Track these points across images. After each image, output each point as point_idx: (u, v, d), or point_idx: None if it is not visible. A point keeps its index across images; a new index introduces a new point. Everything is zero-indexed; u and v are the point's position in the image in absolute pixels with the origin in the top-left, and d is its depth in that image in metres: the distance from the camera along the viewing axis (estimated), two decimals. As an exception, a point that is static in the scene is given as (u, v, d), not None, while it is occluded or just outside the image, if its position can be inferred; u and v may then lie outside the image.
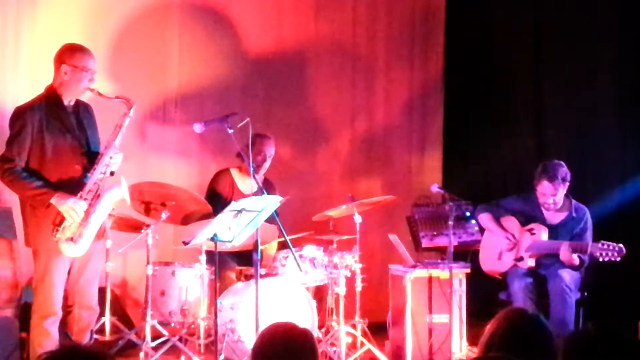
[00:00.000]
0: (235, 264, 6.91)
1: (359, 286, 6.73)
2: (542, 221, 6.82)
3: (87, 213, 5.32)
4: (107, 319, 6.72)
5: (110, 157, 5.44)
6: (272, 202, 5.83)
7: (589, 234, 6.83)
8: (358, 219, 6.70)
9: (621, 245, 6.39)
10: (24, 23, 7.28)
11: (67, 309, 5.49)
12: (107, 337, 6.73)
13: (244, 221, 5.65)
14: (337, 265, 6.70)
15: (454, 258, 6.56)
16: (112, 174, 5.51)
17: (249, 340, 6.12)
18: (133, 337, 6.63)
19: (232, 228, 5.66)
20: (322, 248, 6.77)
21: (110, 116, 5.68)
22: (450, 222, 6.54)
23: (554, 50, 8.58)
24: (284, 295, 6.44)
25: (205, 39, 8.16)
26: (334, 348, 6.61)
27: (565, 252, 6.53)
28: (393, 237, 6.82)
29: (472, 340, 6.60)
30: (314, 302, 6.51)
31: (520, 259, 6.74)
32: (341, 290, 6.66)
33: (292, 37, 8.57)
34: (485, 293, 7.19)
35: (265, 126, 7.68)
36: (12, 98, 6.82)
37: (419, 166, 9.02)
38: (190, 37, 8.08)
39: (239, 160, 6.90)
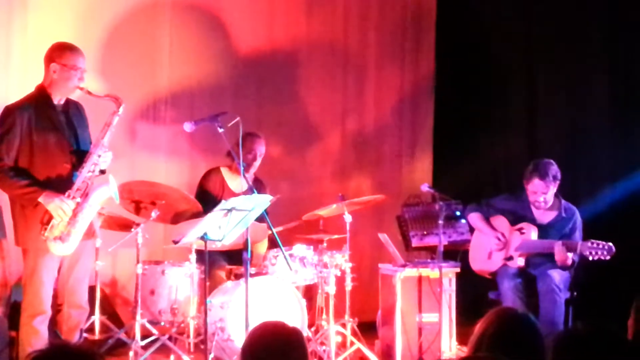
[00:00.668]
0: (225, 263, 6.91)
1: (348, 285, 6.74)
2: (532, 221, 6.83)
3: (76, 212, 5.31)
4: (97, 317, 6.70)
5: (99, 156, 5.43)
6: (262, 201, 5.83)
7: (577, 234, 6.85)
8: (348, 218, 6.71)
9: (610, 244, 6.40)
10: (15, 22, 7.26)
11: (56, 307, 5.48)
12: (97, 336, 6.71)
13: (234, 220, 5.65)
14: (327, 264, 6.70)
15: (443, 257, 6.58)
16: (102, 172, 5.51)
17: (239, 339, 6.12)
18: (123, 336, 6.62)
19: (222, 227, 5.65)
20: (312, 247, 6.77)
21: (101, 115, 5.67)
22: (440, 222, 6.55)
23: (545, 50, 8.59)
24: (273, 294, 6.43)
25: (196, 38, 8.16)
26: (324, 347, 6.61)
27: (560, 251, 6.52)
28: (383, 237, 6.83)
29: (462, 339, 6.61)
30: (303, 301, 6.51)
31: (510, 258, 6.76)
32: (331, 289, 6.66)
33: (284, 37, 8.57)
34: (475, 292, 7.21)
35: (256, 125, 7.67)
36: (2, 97, 6.79)
37: (410, 166, 9.03)
38: (180, 36, 8.07)
39: (229, 159, 6.89)
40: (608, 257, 6.42)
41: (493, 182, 8.87)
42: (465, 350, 5.75)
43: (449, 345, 6.66)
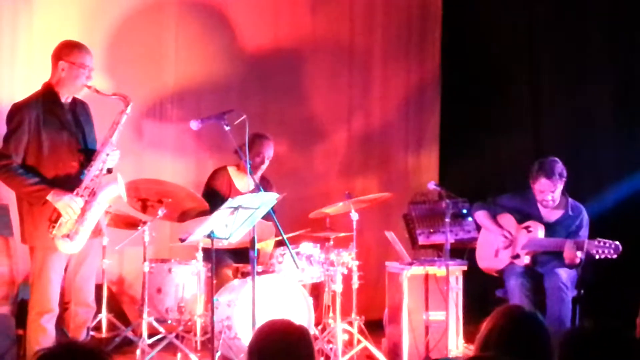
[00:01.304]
0: (232, 261, 6.91)
1: (355, 283, 6.73)
2: (539, 219, 6.82)
3: (84, 210, 5.31)
4: (104, 316, 6.72)
5: (107, 154, 5.43)
6: (268, 199, 5.83)
7: (583, 232, 6.83)
8: (355, 216, 6.70)
9: (617, 242, 6.40)
10: (21, 20, 7.27)
11: (63, 305, 5.48)
12: (104, 334, 6.73)
13: (240, 218, 5.65)
14: (333, 262, 6.70)
15: (450, 255, 6.57)
16: (109, 171, 5.51)
17: (246, 338, 6.12)
18: (129, 334, 6.62)
19: (228, 225, 5.65)
20: (318, 245, 6.77)
21: (107, 113, 5.67)
22: (447, 220, 6.55)
23: (550, 48, 8.58)
24: (280, 293, 6.44)
25: (202, 36, 8.16)
26: (331, 345, 6.61)
27: (570, 250, 6.50)
28: (390, 235, 6.83)
29: (469, 337, 6.60)
30: (310, 300, 6.51)
31: (517, 256, 6.75)
32: (338, 287, 6.65)
33: (289, 34, 8.57)
34: (481, 290, 7.20)
35: (262, 123, 7.67)
36: (9, 95, 6.82)
37: (416, 163, 9.03)
38: (187, 34, 8.08)
39: (236, 157, 6.89)
40: (615, 256, 6.41)
41: (499, 179, 8.85)
42: (472, 349, 5.75)
43: (456, 343, 6.65)
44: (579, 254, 6.54)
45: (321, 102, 8.70)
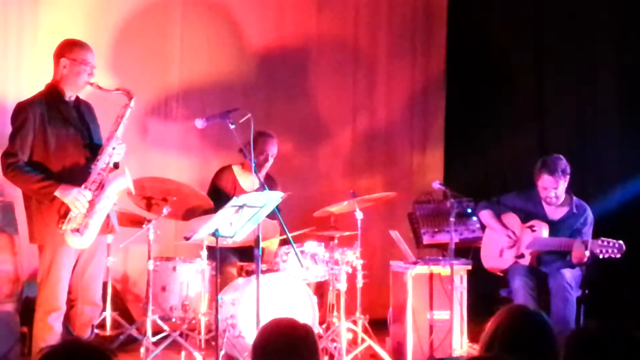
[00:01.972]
0: (237, 259, 6.92)
1: (360, 282, 6.74)
2: (543, 217, 6.81)
3: (92, 203, 5.30)
4: (108, 313, 6.73)
5: (113, 148, 5.44)
6: (273, 198, 5.83)
7: (587, 230, 6.82)
8: (359, 215, 6.70)
9: (621, 242, 6.39)
10: (26, 19, 7.28)
11: (70, 303, 5.48)
12: (108, 332, 6.74)
13: (245, 217, 5.65)
14: (338, 261, 6.70)
15: (455, 255, 6.57)
16: (115, 165, 5.52)
17: (250, 336, 6.12)
18: (134, 332, 6.64)
19: (233, 224, 5.65)
20: (323, 244, 6.77)
21: (112, 111, 5.67)
22: (452, 219, 6.54)
23: (555, 47, 8.59)
24: (285, 291, 6.44)
25: (207, 35, 8.17)
26: (335, 344, 6.61)
27: (579, 249, 6.48)
28: (394, 234, 6.83)
29: (473, 337, 6.60)
30: (314, 298, 6.51)
31: (521, 255, 6.75)
32: (342, 286, 6.66)
33: (294, 34, 8.58)
34: (486, 290, 7.20)
35: (267, 122, 7.68)
36: (14, 94, 6.83)
37: (421, 163, 9.03)
38: (192, 32, 8.08)
39: (241, 156, 6.90)
40: (619, 255, 6.40)
41: (503, 179, 8.87)
42: (476, 348, 5.75)
43: (460, 342, 6.65)
44: (587, 253, 6.53)
45: (326, 101, 8.71)
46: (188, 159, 8.07)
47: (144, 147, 7.80)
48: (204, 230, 5.68)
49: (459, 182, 7.78)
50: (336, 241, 6.79)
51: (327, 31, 8.69)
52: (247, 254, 6.63)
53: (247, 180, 7.13)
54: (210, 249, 6.40)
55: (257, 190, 6.52)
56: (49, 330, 5.33)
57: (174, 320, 6.56)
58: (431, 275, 6.69)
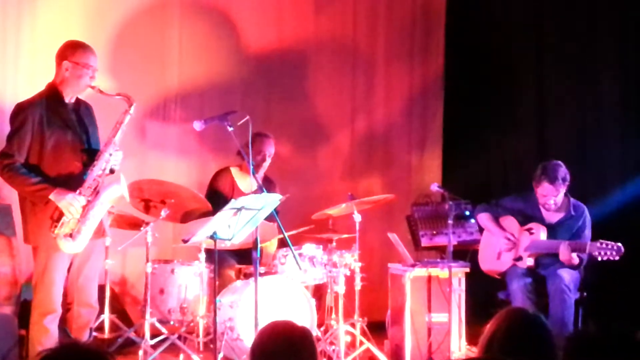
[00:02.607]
0: (235, 262, 6.91)
1: (358, 285, 6.73)
2: (541, 221, 6.81)
3: (86, 209, 5.31)
4: (106, 316, 6.72)
5: (110, 154, 5.43)
6: (271, 200, 5.82)
7: (587, 232, 6.83)
8: (358, 217, 6.70)
9: (620, 244, 6.39)
10: (25, 20, 7.28)
11: (66, 306, 5.48)
12: (106, 334, 6.73)
13: (243, 219, 5.64)
14: (336, 264, 6.70)
15: (453, 257, 6.56)
16: (112, 171, 5.51)
17: (248, 339, 6.12)
18: (132, 335, 6.62)
19: (231, 226, 5.64)
20: (321, 246, 6.76)
21: (111, 114, 5.67)
22: (450, 221, 6.53)
23: (555, 48, 8.58)
24: (283, 294, 6.44)
25: (206, 37, 8.17)
26: (333, 347, 6.61)
27: (564, 251, 6.53)
28: (392, 236, 6.82)
29: (471, 339, 6.59)
30: (313, 301, 6.51)
31: (519, 258, 6.74)
32: (340, 289, 6.65)
33: (292, 35, 8.57)
34: (484, 292, 7.19)
35: (265, 124, 7.68)
36: (12, 95, 6.83)
37: (419, 165, 9.02)
38: (190, 34, 8.08)
39: (239, 158, 6.89)
40: (617, 258, 6.41)
41: (502, 181, 8.86)
42: (474, 351, 5.75)
43: (459, 345, 6.64)
44: (574, 255, 6.54)
45: (324, 102, 8.70)
46: (186, 161, 8.07)
47: (142, 149, 7.80)
48: (202, 232, 5.67)
49: (458, 184, 7.76)
50: (334, 244, 6.78)
51: (326, 32, 8.69)
52: (245, 257, 6.62)
53: (245, 182, 7.12)
54: (209, 252, 6.40)
55: (255, 192, 6.51)
56: (45, 332, 5.33)
57: (172, 323, 6.55)
58: (429, 278, 6.68)
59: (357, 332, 6.72)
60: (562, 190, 6.73)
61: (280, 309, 6.30)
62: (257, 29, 8.40)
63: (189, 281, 6.56)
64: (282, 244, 6.65)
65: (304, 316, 6.38)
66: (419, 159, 9.03)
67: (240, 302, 6.30)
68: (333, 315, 6.73)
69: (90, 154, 5.45)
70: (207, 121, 6.12)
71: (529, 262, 6.72)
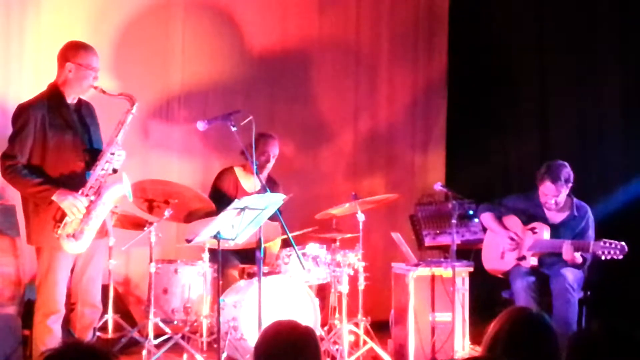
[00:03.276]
0: (238, 262, 6.91)
1: (361, 284, 6.73)
2: (544, 220, 6.81)
3: (89, 209, 5.30)
4: (110, 316, 6.72)
5: (112, 154, 5.43)
6: (275, 200, 5.83)
7: (590, 232, 6.82)
8: (361, 217, 6.69)
9: (623, 243, 6.39)
10: (28, 20, 7.28)
11: (70, 306, 5.48)
12: (110, 334, 6.73)
13: (247, 219, 5.64)
14: (340, 263, 6.70)
15: (456, 257, 6.56)
16: (114, 171, 5.51)
17: (252, 338, 6.13)
18: (136, 334, 6.63)
19: (235, 226, 5.64)
20: (325, 246, 6.77)
21: (113, 114, 5.67)
22: (454, 221, 6.53)
23: (557, 50, 8.58)
24: (286, 294, 6.44)
25: (209, 37, 8.17)
26: (337, 346, 6.61)
27: (567, 250, 6.53)
28: (396, 236, 6.82)
29: (475, 338, 6.59)
30: (316, 301, 6.51)
31: (523, 258, 6.74)
32: (344, 288, 6.66)
33: (296, 36, 8.58)
34: (487, 292, 7.19)
35: (269, 124, 7.68)
36: (15, 95, 6.82)
37: (422, 165, 9.02)
38: (193, 34, 8.08)
39: (242, 158, 6.89)
40: (621, 257, 6.41)
41: (505, 181, 8.86)
42: (478, 350, 5.74)
43: (462, 344, 6.65)
44: (578, 254, 6.54)
45: (328, 102, 8.71)
46: (190, 161, 8.07)
47: (146, 149, 7.80)
48: (205, 232, 5.67)
49: (461, 184, 7.77)
50: (338, 243, 6.79)
51: (329, 33, 8.70)
52: (248, 256, 6.63)
53: (249, 181, 7.13)
54: (212, 252, 6.40)
55: (258, 192, 6.51)
56: (49, 332, 5.33)
57: (175, 322, 6.55)
58: (433, 277, 6.68)
59: (361, 331, 6.72)
60: (564, 190, 6.72)
61: (283, 308, 6.31)
62: (260, 30, 8.41)
63: (193, 281, 6.56)
64: (286, 243, 6.65)
65: (308, 316, 6.38)
66: (423, 159, 9.04)
67: (243, 301, 6.30)
68: (337, 315, 6.73)
69: (93, 154, 5.44)
70: (211, 121, 6.13)
71: (533, 261, 6.71)
